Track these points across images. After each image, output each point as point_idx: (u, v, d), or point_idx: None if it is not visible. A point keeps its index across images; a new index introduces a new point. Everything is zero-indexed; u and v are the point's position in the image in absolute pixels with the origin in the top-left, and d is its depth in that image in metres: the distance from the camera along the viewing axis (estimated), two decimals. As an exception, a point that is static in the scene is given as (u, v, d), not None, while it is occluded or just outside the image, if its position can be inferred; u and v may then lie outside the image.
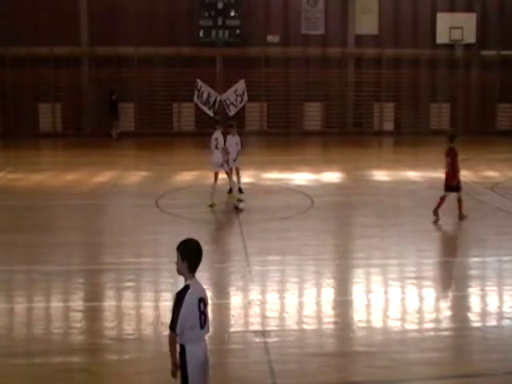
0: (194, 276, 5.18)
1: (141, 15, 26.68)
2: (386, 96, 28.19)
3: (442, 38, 27.80)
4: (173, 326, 5.11)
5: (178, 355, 5.18)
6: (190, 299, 5.07)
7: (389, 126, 28.83)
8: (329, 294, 9.46)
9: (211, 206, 13.78)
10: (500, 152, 23.35)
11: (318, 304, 8.97)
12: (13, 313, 8.77)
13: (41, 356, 7.36)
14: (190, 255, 5.15)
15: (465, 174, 14.64)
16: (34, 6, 26.04)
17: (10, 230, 12.81)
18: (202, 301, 5.14)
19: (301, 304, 8.93)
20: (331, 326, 8.22)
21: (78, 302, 8.98)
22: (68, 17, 26.36)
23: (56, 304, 9.01)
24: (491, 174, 18.90)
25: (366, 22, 28.12)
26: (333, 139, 26.94)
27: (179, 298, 5.10)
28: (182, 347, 5.16)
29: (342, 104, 28.20)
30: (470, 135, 26.43)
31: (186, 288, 5.12)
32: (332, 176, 18.58)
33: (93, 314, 8.58)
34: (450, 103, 28.74)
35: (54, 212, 14.23)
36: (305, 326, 8.15)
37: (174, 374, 5.26)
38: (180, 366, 5.17)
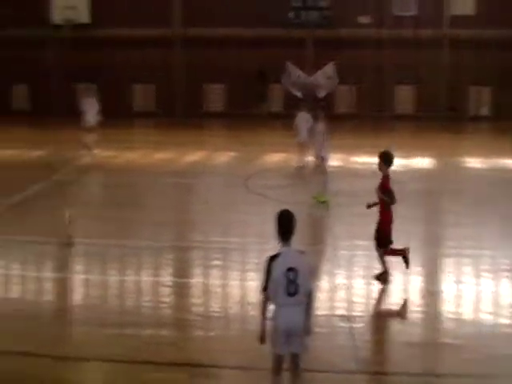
0: (287, 244, 5.38)
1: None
2: (483, 80, 27.00)
3: None
4: (262, 287, 5.38)
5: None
6: (278, 267, 5.26)
7: (485, 111, 27.64)
8: (417, 282, 9.23)
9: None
10: None
11: (406, 292, 8.78)
12: (106, 285, 9.14)
13: (132, 327, 7.63)
14: (279, 224, 5.37)
15: None
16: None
17: (104, 206, 13.37)
18: (292, 270, 5.27)
19: (387, 291, 8.77)
20: (419, 316, 8.03)
21: (166, 278, 9.23)
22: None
23: (146, 278, 9.30)
24: None
25: (462, 1, 26.97)
26: (424, 124, 26.15)
27: (269, 263, 5.33)
28: (274, 309, 5.41)
29: (434, 87, 27.29)
30: None
31: (276, 256, 5.33)
32: (423, 162, 18.08)
33: (181, 290, 8.80)
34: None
35: (145, 189, 14.68)
36: (392, 314, 8.02)
37: (261, 339, 5.48)
38: (271, 326, 5.43)
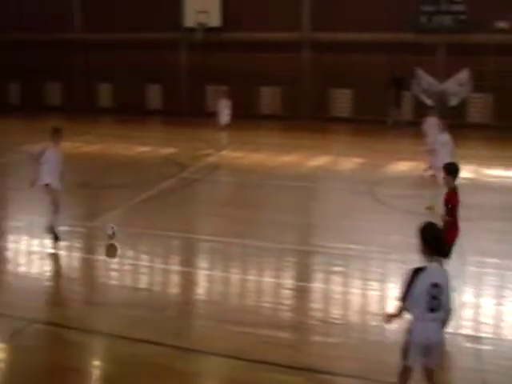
0: (434, 260, 5.29)
1: (358, 0, 26.50)
2: None
3: None
4: (401, 297, 5.33)
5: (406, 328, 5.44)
6: (423, 280, 5.20)
7: None
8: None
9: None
10: None
11: (540, 316, 8.21)
12: (228, 282, 9.33)
13: (251, 326, 7.72)
14: (425, 238, 5.30)
15: None
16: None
17: (230, 204, 13.68)
18: (436, 286, 5.21)
19: (520, 313, 8.26)
20: (554, 342, 7.48)
21: (287, 280, 9.25)
22: (292, 3, 27.15)
23: (267, 279, 9.39)
24: None
25: None
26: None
27: (413, 275, 5.26)
28: (411, 322, 5.37)
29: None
30: None
31: (422, 269, 5.25)
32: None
33: (301, 294, 8.79)
34: None
35: (269, 191, 14.84)
36: (523, 338, 7.52)
37: (386, 320, 5.53)
38: (405, 338, 5.43)
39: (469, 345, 7.25)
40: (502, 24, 25.97)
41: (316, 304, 8.58)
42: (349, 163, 18.16)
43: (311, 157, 18.76)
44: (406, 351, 5.41)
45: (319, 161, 18.30)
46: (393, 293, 8.86)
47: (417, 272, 5.25)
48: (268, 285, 9.20)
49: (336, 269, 9.68)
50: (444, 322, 5.40)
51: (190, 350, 7.16)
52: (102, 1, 30.01)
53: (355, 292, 8.91)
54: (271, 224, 12.00)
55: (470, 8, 25.64)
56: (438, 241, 5.31)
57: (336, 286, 9.07)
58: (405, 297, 5.29)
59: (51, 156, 10.56)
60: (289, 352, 7.16)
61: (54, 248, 10.44)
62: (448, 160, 12.26)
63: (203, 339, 7.45)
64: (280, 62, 27.68)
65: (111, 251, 10.15)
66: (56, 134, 10.69)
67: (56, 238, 10.69)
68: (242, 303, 8.56)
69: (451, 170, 8.17)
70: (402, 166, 17.72)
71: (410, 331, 5.37)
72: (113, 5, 29.67)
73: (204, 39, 28.09)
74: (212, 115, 27.76)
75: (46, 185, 10.58)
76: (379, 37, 26.15)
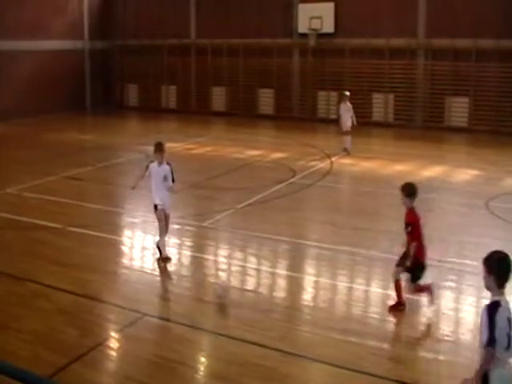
0: (503, 293, 4.85)
1: (475, 6, 25.39)
2: None
3: None
4: (490, 341, 4.74)
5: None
6: (501, 317, 4.74)
7: None
8: None
9: None
10: None
11: None
12: (335, 290, 9.27)
13: (356, 336, 7.63)
14: (496, 269, 4.84)
15: None
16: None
17: (340, 212, 13.60)
18: (510, 321, 4.77)
19: None
20: None
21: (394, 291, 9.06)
22: (406, 9, 26.58)
23: (375, 289, 9.23)
24: None
25: None
26: None
27: (490, 314, 4.75)
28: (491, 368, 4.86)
29: None
30: None
31: (496, 304, 4.78)
32: None
33: (409, 307, 8.56)
34: None
35: (381, 199, 14.59)
36: None
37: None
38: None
39: None
40: None
41: (425, 318, 8.34)
42: (465, 175, 17.48)
43: (425, 167, 18.24)
44: None
45: (433, 171, 17.75)
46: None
47: (493, 310, 4.74)
48: (375, 295, 9.05)
49: (448, 284, 9.35)
50: None
51: (294, 354, 7.19)
52: (217, 8, 30.83)
53: (467, 309, 8.56)
54: (381, 233, 11.79)
55: None
56: (509, 271, 4.81)
57: (448, 302, 8.76)
58: (494, 338, 4.71)
59: (153, 172, 10.02)
60: (393, 365, 7.01)
61: (159, 265, 10.16)
62: None
63: (308, 345, 7.45)
64: (394, 69, 27.16)
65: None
66: (157, 149, 9.95)
67: (162, 256, 10.16)
68: (349, 312, 8.48)
69: (409, 191, 8.37)
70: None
71: (492, 381, 4.83)
72: (227, 12, 30.42)
73: (317, 45, 28.13)
74: (323, 121, 27.89)
75: (155, 206, 10.10)
76: (498, 44, 24.98)
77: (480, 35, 25.11)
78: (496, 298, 4.84)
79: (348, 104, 20.18)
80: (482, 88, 25.63)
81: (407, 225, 8.28)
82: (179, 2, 31.86)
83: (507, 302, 4.87)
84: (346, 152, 19.85)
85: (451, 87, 26.17)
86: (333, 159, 19.07)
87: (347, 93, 20.81)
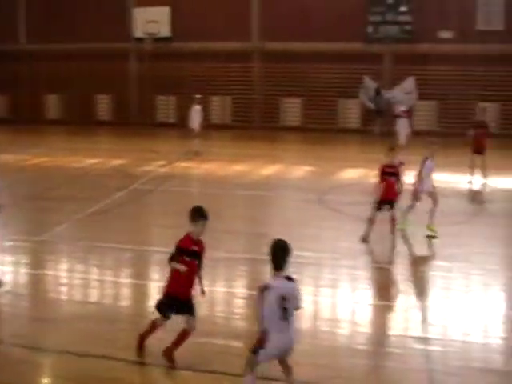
0: (278, 273, 5.68)
1: (310, 11, 26.89)
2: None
3: None
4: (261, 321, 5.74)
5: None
6: (269, 297, 5.60)
7: None
8: (498, 306, 8.89)
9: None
10: None
11: (485, 316, 8.46)
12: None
13: (205, 336, 7.68)
14: (271, 253, 5.72)
15: None
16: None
17: (183, 215, 13.56)
18: (284, 299, 5.60)
19: (466, 314, 8.49)
20: (499, 342, 7.72)
21: (240, 289, 9.30)
22: (241, 13, 27.37)
23: (219, 289, 9.38)
24: None
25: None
26: (508, 142, 25.22)
27: (259, 292, 5.71)
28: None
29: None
30: None
31: (268, 285, 5.67)
32: (504, 182, 17.43)
33: (253, 303, 8.79)
34: None
35: (222, 200, 14.86)
36: (470, 338, 7.73)
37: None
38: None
39: (417, 346, 7.40)
40: (445, 34, 26.77)
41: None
42: (299, 172, 18.36)
43: (262, 166, 18.88)
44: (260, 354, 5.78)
45: (271, 169, 18.44)
46: (344, 298, 9.01)
47: (265, 288, 5.65)
48: (221, 295, 9.19)
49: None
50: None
51: (142, 363, 7.09)
52: (48, 11, 29.56)
53: (307, 299, 8.97)
54: (224, 234, 11.99)
55: (416, 19, 26.35)
56: (278, 255, 5.72)
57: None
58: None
59: None
60: (239, 360, 7.16)
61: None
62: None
63: (156, 351, 7.38)
64: (230, 72, 27.80)
65: None
66: None
67: None
68: (197, 314, 8.52)
69: (199, 214, 6.99)
70: (352, 173, 18.01)
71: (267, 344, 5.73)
72: (60, 15, 29.27)
73: (154, 49, 27.99)
74: (162, 125, 27.80)
75: None
76: (327, 46, 26.58)
77: (313, 39, 26.52)
78: (270, 280, 5.70)
79: (197, 107, 20.36)
80: (315, 89, 27.08)
81: (198, 254, 7.02)
82: (4, 3, 30.04)
83: (281, 281, 5.65)
84: (197, 155, 19.85)
85: (285, 88, 27.33)
86: (175, 163, 19.10)
87: (198, 96, 20.99)
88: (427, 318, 8.24)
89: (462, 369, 6.86)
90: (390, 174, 10.99)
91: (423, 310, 8.50)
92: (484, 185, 16.70)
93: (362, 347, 7.47)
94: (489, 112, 26.11)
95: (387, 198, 10.99)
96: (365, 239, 11.12)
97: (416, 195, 11.58)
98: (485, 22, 26.48)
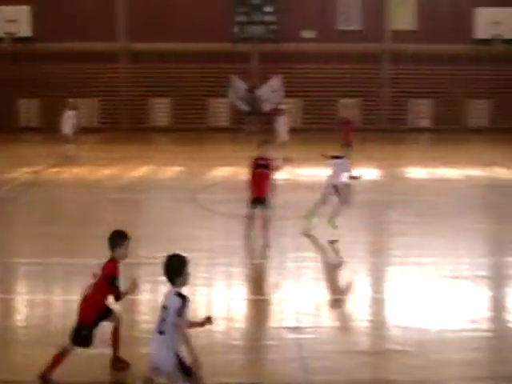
0: (172, 288, 5.73)
1: (176, 11, 26.86)
2: (423, 93, 27.83)
3: (481, 33, 27.40)
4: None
5: None
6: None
7: (425, 122, 28.50)
8: (364, 291, 9.39)
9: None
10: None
11: (353, 302, 8.91)
12: (50, 305, 8.92)
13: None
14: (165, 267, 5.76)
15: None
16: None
17: (50, 223, 13.07)
18: (163, 307, 5.67)
19: (335, 301, 8.89)
20: (366, 324, 8.16)
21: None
22: (107, 14, 26.74)
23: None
24: None
25: (403, 16, 27.79)
26: (369, 136, 26.67)
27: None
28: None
29: (377, 100, 27.95)
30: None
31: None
32: (368, 173, 18.39)
33: (129, 307, 8.65)
34: (490, 100, 28.20)
35: (92, 205, 14.46)
36: (339, 324, 8.11)
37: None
38: None
39: (291, 336, 7.64)
40: (308, 34, 27.78)
41: (145, 316, 8.50)
42: (171, 172, 18.27)
43: (133, 168, 18.58)
44: None
45: (141, 171, 18.19)
46: (220, 295, 9.10)
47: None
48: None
49: (162, 278, 9.64)
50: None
51: (10, 381, 6.73)
52: None
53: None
54: (95, 239, 11.64)
55: (280, 19, 27.11)
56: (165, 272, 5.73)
57: (160, 296, 9.04)
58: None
59: None
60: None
61: None
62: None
63: (26, 367, 7.03)
64: (97, 73, 27.05)
65: None
66: None
67: None
68: (67, 325, 8.22)
69: (123, 236, 6.74)
70: (223, 172, 18.20)
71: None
72: None
73: (14, 50, 26.59)
74: (26, 130, 26.46)
75: None
76: (195, 46, 26.64)
77: (180, 39, 26.45)
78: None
79: (70, 112, 19.65)
80: (184, 89, 27.04)
81: (109, 278, 6.61)
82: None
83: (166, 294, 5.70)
84: (68, 160, 19.11)
85: (153, 89, 27.05)
86: (42, 169, 18.27)
87: (71, 100, 20.29)
88: (299, 308, 8.52)
89: (331, 353, 7.17)
90: (262, 167, 11.09)
91: (296, 300, 8.77)
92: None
93: (238, 342, 7.59)
94: (351, 108, 27.66)
95: (258, 195, 11.11)
96: (246, 237, 11.20)
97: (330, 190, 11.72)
98: (344, 22, 27.81)
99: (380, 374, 6.94)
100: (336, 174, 11.82)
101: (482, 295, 9.28)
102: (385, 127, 27.75)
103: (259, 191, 11.04)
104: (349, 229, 12.32)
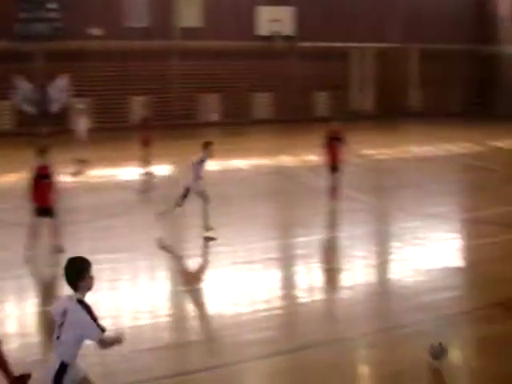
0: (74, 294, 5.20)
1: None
2: (211, 88, 28.70)
3: (262, 30, 29.04)
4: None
5: None
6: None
7: (214, 116, 29.45)
8: (162, 287, 9.50)
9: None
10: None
11: (153, 298, 8.96)
12: None
13: None
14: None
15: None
16: None
17: None
18: (64, 311, 5.12)
19: (135, 300, 8.88)
20: (165, 319, 8.26)
21: None
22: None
23: None
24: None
25: (191, 14, 28.36)
26: (161, 132, 26.70)
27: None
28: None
29: (166, 97, 28.21)
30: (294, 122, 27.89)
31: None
32: (162, 169, 18.54)
33: None
34: (272, 92, 29.97)
35: None
36: (140, 322, 8.11)
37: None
38: None
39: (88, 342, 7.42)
40: (95, 31, 27.09)
41: None
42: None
43: None
44: None
45: None
46: (15, 307, 8.59)
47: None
48: None
49: None
50: None
51: None
52: None
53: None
54: None
55: (65, 15, 26.05)
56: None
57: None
58: None
59: None
60: None
61: None
62: None
63: None
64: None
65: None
66: None
67: None
68: None
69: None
70: (7, 178, 17.13)
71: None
72: None
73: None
74: None
75: None
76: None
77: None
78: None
79: None
80: None
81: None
82: None
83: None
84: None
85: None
86: None
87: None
88: (99, 311, 8.31)
89: (132, 352, 7.12)
90: (43, 177, 10.40)
91: (94, 304, 8.55)
92: (149, 174, 17.50)
93: (37, 357, 7.18)
94: (139, 104, 27.48)
95: (43, 205, 10.33)
96: (28, 249, 10.43)
97: (187, 192, 11.33)
98: (131, 19, 27.61)
99: (179, 367, 7.03)
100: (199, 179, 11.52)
101: (273, 276, 9.89)
102: (176, 123, 28.03)
103: (43, 201, 10.32)
104: (142, 226, 12.30)
